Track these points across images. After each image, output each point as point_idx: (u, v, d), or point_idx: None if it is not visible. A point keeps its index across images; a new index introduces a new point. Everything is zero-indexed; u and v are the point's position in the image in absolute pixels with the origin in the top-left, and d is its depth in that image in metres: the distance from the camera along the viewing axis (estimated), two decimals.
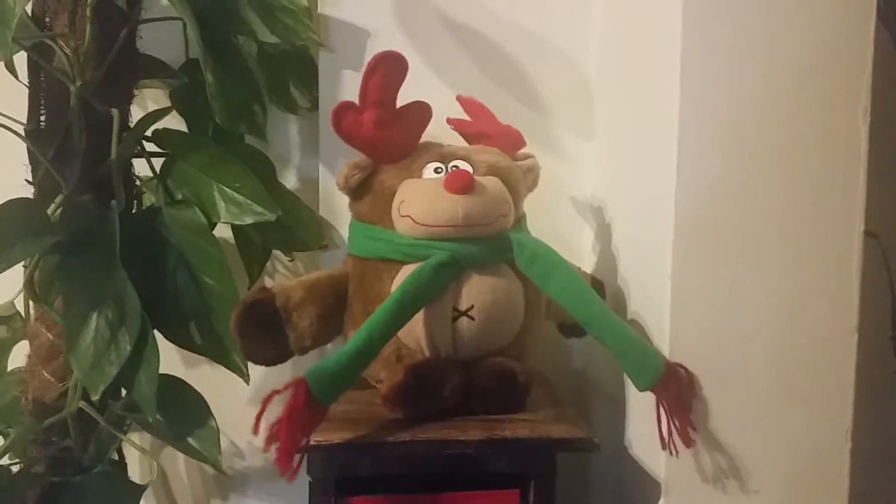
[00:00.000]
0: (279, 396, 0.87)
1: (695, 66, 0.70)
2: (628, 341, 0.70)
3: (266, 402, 0.61)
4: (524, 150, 0.86)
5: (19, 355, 0.87)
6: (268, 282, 1.00)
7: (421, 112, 0.78)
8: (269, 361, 0.78)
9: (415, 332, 0.73)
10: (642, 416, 0.76)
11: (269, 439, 0.61)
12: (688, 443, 0.70)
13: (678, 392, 0.70)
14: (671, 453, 0.71)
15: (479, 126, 0.86)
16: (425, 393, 0.71)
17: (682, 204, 0.71)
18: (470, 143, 0.85)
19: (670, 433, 0.70)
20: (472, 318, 0.73)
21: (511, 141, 0.85)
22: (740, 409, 0.72)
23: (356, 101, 0.75)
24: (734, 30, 0.70)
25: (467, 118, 0.87)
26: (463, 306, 0.73)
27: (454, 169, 0.76)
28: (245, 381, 0.82)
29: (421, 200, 0.73)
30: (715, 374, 0.72)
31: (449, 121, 0.85)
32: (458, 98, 0.86)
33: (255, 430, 0.61)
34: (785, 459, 0.73)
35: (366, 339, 0.66)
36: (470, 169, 0.76)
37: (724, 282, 0.71)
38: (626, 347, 0.70)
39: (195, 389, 0.81)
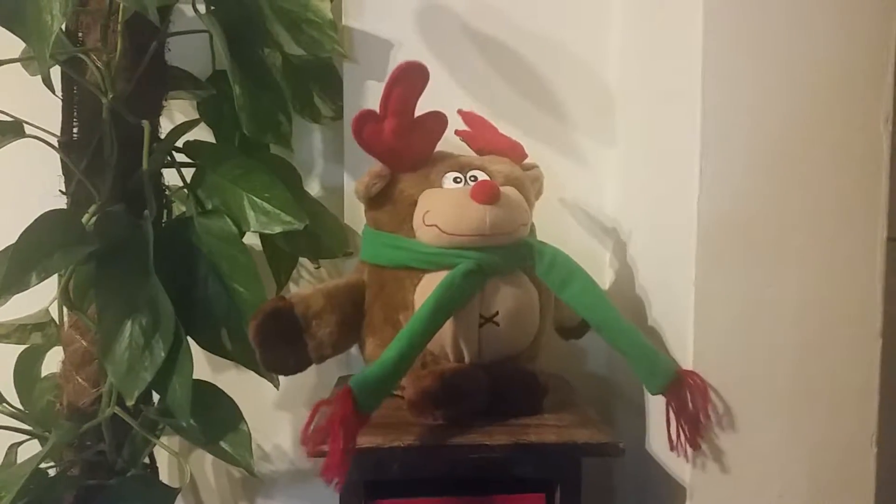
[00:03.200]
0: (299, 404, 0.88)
1: (716, 74, 0.71)
2: (641, 346, 0.73)
3: (314, 411, 0.63)
4: (527, 161, 0.88)
5: (53, 361, 0.90)
6: (293, 289, 1.01)
7: (437, 122, 0.79)
8: (288, 370, 0.78)
9: (441, 338, 0.74)
10: (665, 420, 0.77)
11: (316, 448, 0.62)
12: (695, 446, 0.73)
13: (689, 397, 0.72)
14: (678, 455, 0.74)
15: (486, 137, 0.88)
16: (454, 398, 0.72)
17: (704, 210, 0.72)
18: (478, 154, 0.86)
19: (679, 436, 0.73)
20: (498, 324, 0.75)
21: (516, 152, 0.87)
22: (765, 415, 0.73)
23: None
24: (755, 37, 0.71)
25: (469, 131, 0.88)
26: (488, 313, 0.75)
27: (474, 179, 0.77)
28: (275, 387, 0.83)
29: (447, 210, 0.74)
30: (739, 380, 0.73)
31: (457, 132, 0.87)
32: (460, 112, 0.88)
33: (304, 440, 0.62)
34: (810, 464, 0.74)
35: (406, 347, 0.67)
36: (487, 179, 0.77)
37: (748, 287, 0.72)
38: (638, 352, 0.73)
39: (227, 394, 0.83)
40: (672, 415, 0.73)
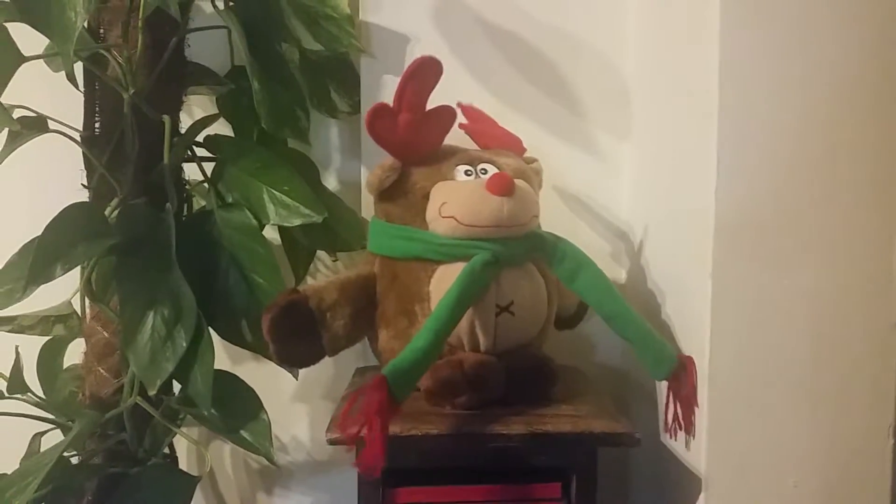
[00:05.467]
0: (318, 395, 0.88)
1: (734, 67, 0.71)
2: (648, 335, 0.75)
3: (352, 400, 0.64)
4: (527, 154, 0.89)
5: (75, 353, 0.91)
6: (310, 281, 1.02)
7: (447, 115, 0.80)
8: (302, 363, 0.79)
9: (457, 328, 0.74)
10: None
11: (352, 437, 0.63)
12: (689, 429, 0.75)
13: (688, 381, 0.75)
14: (671, 437, 0.78)
15: (488, 131, 0.89)
16: (473, 387, 0.73)
17: (722, 204, 0.72)
18: (481, 148, 0.88)
19: (675, 419, 0.76)
20: (513, 314, 0.76)
21: (516, 145, 0.89)
22: (781, 405, 0.73)
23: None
24: (773, 31, 0.71)
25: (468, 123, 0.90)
26: (504, 302, 0.76)
27: (484, 172, 0.79)
28: (294, 377, 0.84)
29: (465, 202, 0.75)
30: (755, 371, 0.73)
31: (462, 126, 0.88)
32: (460, 105, 0.88)
33: (342, 429, 0.64)
34: (825, 455, 0.74)
35: (434, 336, 0.68)
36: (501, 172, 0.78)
37: (765, 280, 0.72)
38: (646, 340, 0.75)
39: (247, 384, 0.84)
40: (671, 399, 0.76)
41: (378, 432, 0.62)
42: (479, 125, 0.90)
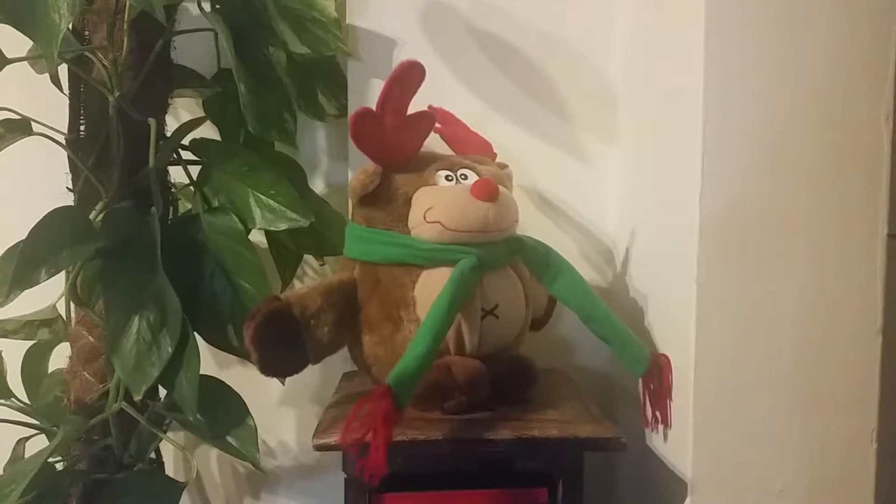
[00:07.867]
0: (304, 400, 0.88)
1: (718, 72, 0.71)
2: (625, 335, 0.77)
3: (357, 408, 0.63)
4: (498, 160, 0.90)
5: (60, 357, 0.91)
6: (296, 285, 1.02)
7: (427, 121, 0.80)
8: (285, 372, 0.77)
9: None
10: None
11: (355, 444, 0.63)
12: (665, 421, 0.79)
13: (660, 377, 0.78)
14: (652, 430, 0.82)
15: (461, 136, 0.90)
16: (461, 390, 0.73)
17: (706, 207, 0.72)
18: (455, 152, 0.88)
19: (653, 413, 0.80)
20: (497, 317, 0.77)
21: (487, 149, 0.91)
22: (766, 410, 0.73)
23: None
24: (757, 35, 0.71)
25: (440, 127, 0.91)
26: (489, 306, 0.76)
27: (464, 177, 0.79)
28: (281, 383, 0.84)
29: (450, 207, 0.75)
30: (740, 376, 0.73)
31: (436, 130, 0.88)
32: (430, 108, 0.88)
33: (345, 438, 0.63)
34: (811, 459, 0.74)
35: (432, 342, 0.68)
36: (477, 177, 0.79)
37: (749, 285, 0.73)
38: (623, 341, 0.78)
39: (233, 389, 0.83)
40: (647, 394, 0.80)
41: (382, 440, 0.62)
42: (452, 129, 0.91)
